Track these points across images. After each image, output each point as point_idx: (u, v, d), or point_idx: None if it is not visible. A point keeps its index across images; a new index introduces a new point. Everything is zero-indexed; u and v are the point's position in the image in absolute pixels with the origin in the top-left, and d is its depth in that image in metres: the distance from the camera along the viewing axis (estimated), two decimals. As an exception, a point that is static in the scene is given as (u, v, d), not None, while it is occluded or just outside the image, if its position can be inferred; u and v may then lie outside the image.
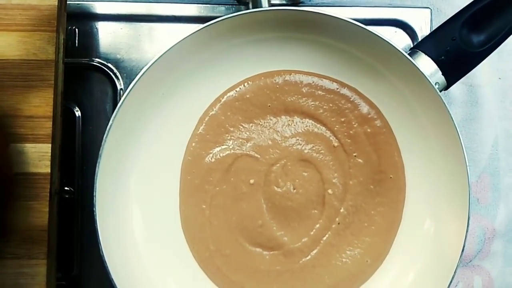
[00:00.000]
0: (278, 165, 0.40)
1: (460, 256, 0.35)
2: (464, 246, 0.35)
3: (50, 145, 0.36)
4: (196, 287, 0.39)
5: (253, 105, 0.40)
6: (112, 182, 0.37)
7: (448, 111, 0.35)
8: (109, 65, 0.42)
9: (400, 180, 0.40)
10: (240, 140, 0.40)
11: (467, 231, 0.36)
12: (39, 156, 0.35)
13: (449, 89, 0.38)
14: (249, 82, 0.40)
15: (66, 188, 0.41)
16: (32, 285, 0.35)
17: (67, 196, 0.41)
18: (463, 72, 0.37)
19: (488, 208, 0.46)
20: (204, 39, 0.37)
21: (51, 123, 0.36)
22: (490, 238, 0.46)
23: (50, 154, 0.35)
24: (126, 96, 0.35)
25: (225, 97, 0.40)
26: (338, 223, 0.39)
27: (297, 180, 0.40)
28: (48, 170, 0.35)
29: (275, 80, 0.40)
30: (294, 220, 0.39)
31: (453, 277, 0.35)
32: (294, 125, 0.40)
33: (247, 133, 0.40)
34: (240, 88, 0.40)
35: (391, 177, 0.40)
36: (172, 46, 0.35)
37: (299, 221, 0.39)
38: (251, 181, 0.39)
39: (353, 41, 0.38)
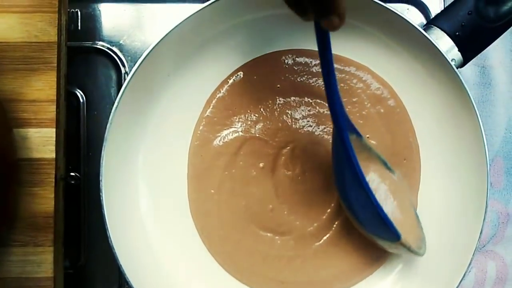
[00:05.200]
0: (288, 148, 0.39)
1: (478, 241, 0.35)
2: (481, 231, 0.35)
3: (54, 129, 0.35)
4: (205, 273, 0.38)
5: (262, 86, 0.39)
6: (118, 167, 0.36)
7: (466, 88, 0.35)
8: (113, 48, 0.42)
9: (415, 162, 0.39)
10: (249, 122, 0.39)
11: (485, 215, 0.35)
12: (43, 141, 0.35)
13: (461, 70, 0.37)
14: (257, 62, 0.39)
15: (72, 174, 0.40)
16: (38, 273, 0.34)
17: (73, 182, 0.40)
18: (480, 47, 0.36)
19: (502, 192, 0.45)
20: (209, 18, 0.36)
21: (55, 106, 0.35)
22: (504, 223, 0.45)
23: (54, 139, 0.35)
24: (130, 78, 0.35)
25: (233, 78, 0.39)
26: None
27: (308, 164, 0.39)
28: (53, 155, 0.35)
29: (284, 60, 0.39)
30: (306, 204, 0.39)
31: (470, 262, 0.35)
32: (304, 107, 0.39)
33: (256, 115, 0.39)
34: (248, 69, 0.39)
35: (405, 160, 0.39)
36: (176, 26, 0.35)
37: (311, 205, 0.39)
38: (261, 164, 0.39)
39: (366, 17, 0.37)
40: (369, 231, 0.36)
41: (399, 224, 0.34)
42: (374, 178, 0.35)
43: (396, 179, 0.37)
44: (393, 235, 0.33)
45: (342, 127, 0.32)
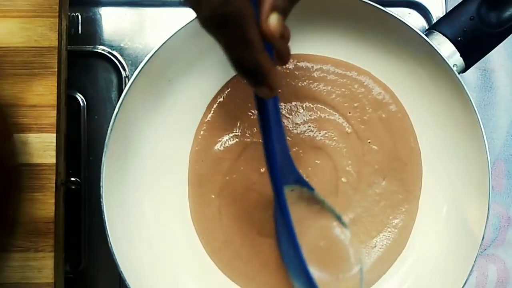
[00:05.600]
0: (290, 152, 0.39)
1: (480, 245, 0.35)
2: (484, 236, 0.35)
3: (54, 134, 0.35)
4: (206, 278, 0.38)
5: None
6: (119, 172, 0.36)
7: (467, 94, 0.35)
8: (114, 52, 0.41)
9: (416, 168, 0.39)
10: (250, 127, 0.39)
11: (487, 219, 0.35)
12: (43, 146, 0.35)
13: (462, 74, 0.37)
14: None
15: (72, 179, 0.40)
16: (39, 279, 0.34)
17: (73, 187, 0.40)
18: (482, 53, 0.36)
19: (503, 195, 0.45)
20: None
21: (56, 112, 0.35)
22: (505, 227, 0.45)
23: (55, 144, 0.35)
24: (131, 83, 0.34)
25: (234, 83, 0.39)
26: (353, 212, 0.38)
27: (309, 168, 0.38)
28: (54, 160, 0.35)
29: (285, 65, 0.39)
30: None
31: (473, 267, 0.35)
32: (306, 111, 0.39)
33: (257, 120, 0.39)
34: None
35: (406, 165, 0.39)
36: (178, 31, 0.35)
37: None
38: (262, 170, 0.38)
39: (368, 22, 0.37)
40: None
41: (340, 284, 0.34)
42: (323, 229, 0.36)
43: (349, 234, 0.37)
44: None
45: (277, 183, 0.33)
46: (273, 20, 0.24)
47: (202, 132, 0.39)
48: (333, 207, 0.37)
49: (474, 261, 0.35)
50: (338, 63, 0.39)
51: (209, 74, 0.39)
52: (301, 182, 0.36)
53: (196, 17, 0.24)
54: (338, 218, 0.37)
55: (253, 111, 0.39)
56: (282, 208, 0.34)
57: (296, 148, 0.39)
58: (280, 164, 0.33)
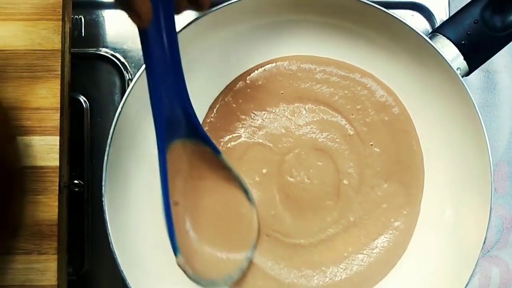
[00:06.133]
0: (291, 154, 0.39)
1: (482, 247, 0.35)
2: (486, 238, 0.35)
3: (58, 137, 0.35)
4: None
5: (266, 92, 0.39)
6: (121, 172, 0.36)
7: (470, 97, 0.34)
8: (117, 54, 0.41)
9: (418, 170, 0.39)
10: (252, 128, 0.39)
11: (489, 221, 0.35)
12: (47, 149, 0.35)
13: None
14: (261, 68, 0.39)
15: (75, 181, 0.40)
16: (42, 281, 0.34)
17: (76, 189, 0.40)
18: (485, 57, 0.36)
19: (506, 197, 0.45)
20: (211, 24, 0.36)
21: (59, 114, 0.35)
22: (508, 228, 0.45)
23: (58, 147, 0.35)
24: (134, 84, 0.34)
25: (237, 84, 0.39)
26: (354, 215, 0.38)
27: (311, 170, 0.38)
28: (57, 163, 0.35)
29: (288, 66, 0.39)
30: (308, 211, 0.38)
31: (474, 269, 0.35)
32: (308, 113, 0.39)
33: (259, 121, 0.39)
34: (252, 75, 0.39)
35: (408, 168, 0.39)
36: (178, 32, 0.34)
37: (314, 212, 0.38)
38: (264, 170, 0.38)
39: (371, 24, 0.37)
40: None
41: (217, 254, 0.34)
42: (226, 196, 0.35)
43: (254, 214, 0.36)
44: (174, 250, 0.33)
45: (160, 134, 0.32)
46: None
47: (204, 133, 0.39)
48: (241, 178, 0.36)
49: (476, 264, 0.35)
50: (341, 65, 0.39)
51: (210, 75, 0.39)
52: (207, 141, 0.34)
53: None
54: (246, 192, 0.36)
55: (255, 112, 0.39)
56: (160, 159, 0.32)
57: (298, 149, 0.39)
58: (169, 108, 0.32)
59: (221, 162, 0.35)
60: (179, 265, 0.33)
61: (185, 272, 0.33)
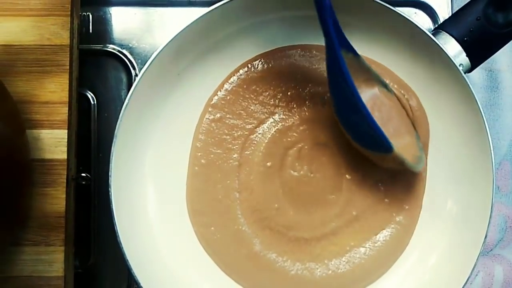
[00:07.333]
0: (294, 148, 0.39)
1: (483, 244, 0.35)
2: (486, 235, 0.35)
3: (66, 131, 0.35)
4: (212, 272, 0.38)
5: (269, 86, 0.39)
6: (127, 164, 0.36)
7: (473, 94, 0.35)
8: (124, 51, 0.42)
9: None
10: (255, 122, 0.39)
11: (490, 219, 0.35)
12: (55, 142, 0.35)
13: (468, 74, 0.37)
14: (263, 60, 0.39)
15: (83, 174, 0.41)
16: (49, 272, 0.35)
17: (84, 182, 0.40)
18: (488, 53, 0.36)
19: (509, 196, 0.45)
20: (224, 16, 0.36)
21: (67, 108, 0.36)
22: (511, 227, 0.45)
23: (66, 140, 0.35)
24: (140, 78, 0.35)
25: (240, 77, 0.39)
26: (357, 209, 0.39)
27: (314, 164, 0.39)
28: (65, 156, 0.35)
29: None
30: (312, 205, 0.39)
31: (475, 264, 0.35)
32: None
33: (263, 115, 0.39)
34: (255, 69, 0.39)
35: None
36: (186, 27, 0.35)
37: (317, 206, 0.39)
38: (268, 163, 0.39)
39: (373, 20, 0.37)
40: (363, 144, 0.36)
41: (397, 140, 0.33)
42: (374, 98, 0.35)
43: (396, 101, 0.36)
44: (386, 146, 0.33)
45: (334, 42, 0.31)
46: None
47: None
48: (378, 74, 0.36)
49: (477, 259, 0.35)
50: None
51: (216, 70, 0.39)
52: (347, 46, 0.34)
53: None
54: (385, 86, 0.36)
55: (258, 107, 0.39)
56: (341, 66, 0.32)
57: (302, 143, 0.39)
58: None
59: (362, 64, 0.35)
60: (397, 157, 0.34)
61: (403, 162, 0.34)
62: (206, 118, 0.39)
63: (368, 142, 0.35)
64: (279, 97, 0.39)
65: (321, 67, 0.39)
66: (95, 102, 0.42)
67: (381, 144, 0.34)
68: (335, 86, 0.34)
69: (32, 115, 0.35)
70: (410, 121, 0.37)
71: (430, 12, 0.43)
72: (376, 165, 0.38)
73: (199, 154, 0.39)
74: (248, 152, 0.39)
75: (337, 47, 0.32)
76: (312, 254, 0.38)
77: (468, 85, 0.35)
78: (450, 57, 0.34)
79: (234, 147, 0.39)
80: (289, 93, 0.39)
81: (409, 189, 0.39)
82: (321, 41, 0.33)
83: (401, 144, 0.34)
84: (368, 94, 0.35)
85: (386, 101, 0.36)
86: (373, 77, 0.36)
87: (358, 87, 0.33)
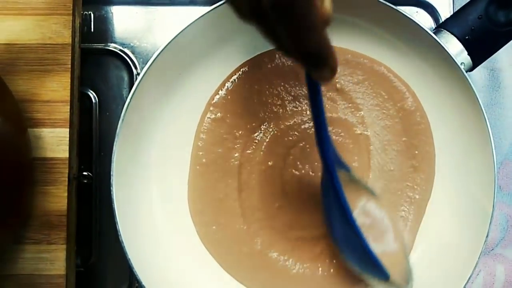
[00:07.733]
0: (296, 147, 0.39)
1: (484, 243, 0.35)
2: (488, 233, 0.35)
3: (67, 129, 0.35)
4: (215, 271, 0.38)
5: (271, 85, 0.39)
6: (129, 163, 0.36)
7: (475, 92, 0.35)
8: (125, 50, 0.42)
9: (429, 173, 0.39)
10: (257, 121, 0.39)
11: (491, 218, 0.35)
12: (57, 140, 0.35)
13: (470, 73, 0.37)
14: (265, 59, 0.39)
15: (84, 173, 0.41)
16: (51, 270, 0.35)
17: (85, 181, 0.40)
18: (489, 52, 0.36)
19: (511, 195, 0.45)
20: (226, 14, 0.36)
21: (69, 107, 0.36)
22: (513, 226, 0.45)
23: (68, 139, 0.35)
24: (142, 77, 0.35)
25: (241, 76, 0.39)
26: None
27: (315, 163, 0.39)
28: (66, 154, 0.35)
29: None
30: (313, 204, 0.39)
31: (476, 265, 0.35)
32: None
33: (265, 115, 0.39)
34: (257, 68, 0.39)
35: (417, 166, 0.39)
36: (187, 26, 0.35)
37: (317, 205, 0.38)
38: (270, 163, 0.39)
39: (375, 19, 0.37)
40: (359, 269, 0.36)
41: (389, 258, 0.34)
42: (366, 213, 0.36)
43: (383, 211, 0.36)
44: (382, 275, 0.33)
45: (331, 168, 0.33)
46: (327, 3, 0.23)
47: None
48: (367, 185, 0.37)
49: (479, 257, 0.35)
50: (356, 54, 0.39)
51: (216, 69, 0.39)
52: (339, 163, 0.35)
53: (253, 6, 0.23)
54: (373, 193, 0.37)
55: (260, 106, 0.39)
56: (337, 190, 0.33)
57: (303, 143, 0.39)
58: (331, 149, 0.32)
59: (351, 177, 0.36)
60: (392, 283, 0.34)
61: (398, 287, 0.34)
62: (208, 117, 0.39)
63: (364, 268, 0.35)
64: (280, 96, 0.39)
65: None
66: (97, 101, 0.42)
67: (378, 272, 0.34)
68: (330, 210, 0.35)
69: (33, 114, 0.35)
70: (398, 229, 0.37)
71: (431, 11, 0.43)
72: (381, 166, 0.39)
73: (201, 153, 0.39)
74: (249, 151, 0.39)
75: (336, 179, 0.33)
76: (314, 253, 0.38)
77: (470, 83, 0.35)
78: (452, 55, 0.35)
79: (235, 146, 0.39)
80: (290, 92, 0.39)
81: (410, 194, 0.39)
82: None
83: (392, 261, 0.34)
84: (360, 209, 0.36)
85: (377, 212, 0.36)
86: (361, 187, 0.36)
87: (350, 202, 0.34)
